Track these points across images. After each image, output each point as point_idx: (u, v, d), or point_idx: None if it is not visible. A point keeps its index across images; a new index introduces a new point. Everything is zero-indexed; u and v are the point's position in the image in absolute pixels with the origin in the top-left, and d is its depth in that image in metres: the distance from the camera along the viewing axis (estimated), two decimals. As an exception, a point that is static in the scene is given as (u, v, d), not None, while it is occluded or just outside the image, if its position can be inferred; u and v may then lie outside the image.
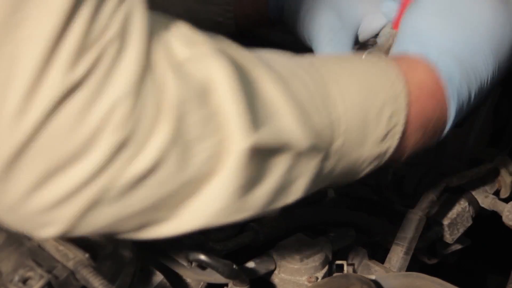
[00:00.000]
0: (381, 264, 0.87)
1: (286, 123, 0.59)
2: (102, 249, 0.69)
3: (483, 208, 1.03)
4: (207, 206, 0.56)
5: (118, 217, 0.54)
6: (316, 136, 0.62)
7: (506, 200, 1.02)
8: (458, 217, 1.01)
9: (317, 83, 0.64)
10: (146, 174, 0.52)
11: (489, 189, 1.05)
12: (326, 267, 0.82)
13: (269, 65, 0.62)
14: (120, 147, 0.50)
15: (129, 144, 0.51)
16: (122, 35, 0.51)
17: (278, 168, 0.60)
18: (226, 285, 0.78)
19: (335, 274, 0.79)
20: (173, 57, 0.54)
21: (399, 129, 0.70)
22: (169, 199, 0.54)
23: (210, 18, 1.02)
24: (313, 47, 0.93)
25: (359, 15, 0.92)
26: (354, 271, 0.87)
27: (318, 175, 0.64)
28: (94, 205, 0.52)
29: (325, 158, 0.64)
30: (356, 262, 0.88)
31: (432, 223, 0.99)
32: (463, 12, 0.75)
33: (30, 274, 0.60)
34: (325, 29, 0.91)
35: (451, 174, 0.97)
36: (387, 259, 0.89)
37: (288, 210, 0.91)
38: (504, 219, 1.00)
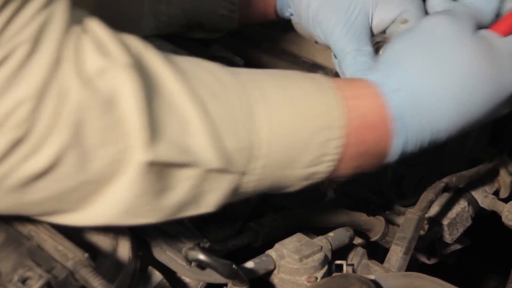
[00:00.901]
0: (380, 264, 0.87)
1: (197, 142, 0.61)
2: (102, 249, 0.69)
3: (482, 208, 1.04)
4: (109, 207, 0.60)
5: (18, 203, 0.58)
6: (227, 157, 0.63)
7: (505, 200, 1.02)
8: (457, 217, 1.01)
9: (240, 104, 0.65)
10: (43, 171, 0.56)
11: (489, 189, 1.05)
12: (326, 267, 0.82)
13: (188, 81, 0.63)
14: (15, 145, 0.54)
15: (25, 143, 0.55)
16: (36, 39, 0.54)
17: (185, 182, 0.62)
18: (226, 285, 0.77)
19: (334, 274, 0.79)
20: (84, 66, 0.57)
21: (331, 156, 0.69)
22: (70, 194, 0.59)
23: (214, 10, 1.02)
24: (330, 43, 0.92)
25: (371, 6, 0.91)
26: (354, 271, 0.87)
27: (234, 191, 0.66)
28: None
29: (241, 177, 0.65)
30: (355, 262, 0.88)
31: (432, 223, 0.99)
32: (441, 57, 0.73)
33: (29, 274, 0.60)
34: (341, 23, 0.90)
35: (450, 174, 0.97)
36: (386, 259, 0.89)
37: (287, 210, 0.92)
38: (504, 219, 1.00)
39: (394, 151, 0.73)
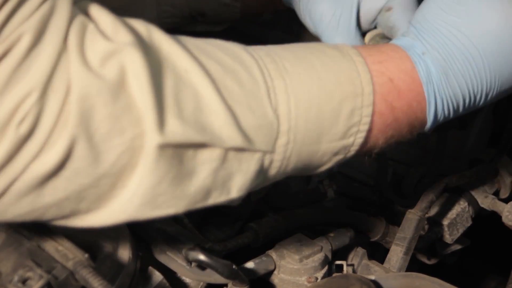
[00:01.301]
0: (380, 264, 0.88)
1: (213, 120, 0.58)
2: (102, 249, 0.69)
3: (482, 208, 1.04)
4: (128, 200, 0.56)
5: (34, 206, 0.55)
6: (246, 135, 0.60)
7: (505, 200, 1.02)
8: (457, 217, 1.01)
9: (255, 80, 0.61)
10: (55, 169, 0.53)
11: (489, 189, 1.05)
12: (326, 267, 0.82)
13: (198, 58, 0.60)
14: (23, 143, 0.52)
15: (32, 140, 0.52)
16: (39, 30, 0.52)
17: (206, 165, 0.58)
18: (226, 285, 0.78)
19: (334, 274, 0.79)
20: (89, 53, 0.55)
21: (361, 126, 0.66)
22: (87, 192, 0.55)
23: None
24: (319, 33, 0.90)
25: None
26: (354, 271, 0.87)
27: (260, 173, 0.62)
28: (3, 195, 0.53)
29: (265, 156, 0.62)
30: (355, 262, 0.88)
31: (432, 223, 0.99)
32: (472, 15, 0.70)
33: (29, 274, 0.60)
34: (327, 15, 0.88)
35: (451, 174, 0.97)
36: (386, 259, 0.89)
37: (287, 210, 0.92)
38: (504, 219, 1.00)
39: (426, 119, 0.70)
